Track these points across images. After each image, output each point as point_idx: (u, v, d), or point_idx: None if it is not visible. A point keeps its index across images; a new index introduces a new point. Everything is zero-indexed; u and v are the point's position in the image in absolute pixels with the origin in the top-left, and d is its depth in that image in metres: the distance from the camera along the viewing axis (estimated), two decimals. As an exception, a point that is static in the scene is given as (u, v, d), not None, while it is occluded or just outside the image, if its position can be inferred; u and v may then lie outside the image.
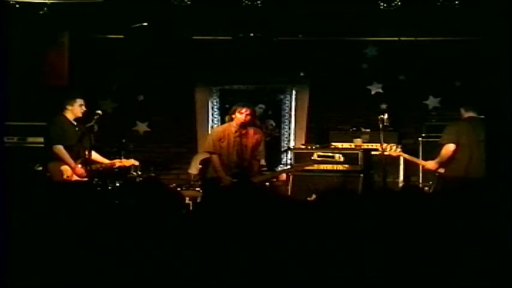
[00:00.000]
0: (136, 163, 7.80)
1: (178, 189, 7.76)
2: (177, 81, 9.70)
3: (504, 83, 8.37)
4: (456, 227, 3.16)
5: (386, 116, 7.98)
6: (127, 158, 7.85)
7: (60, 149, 7.35)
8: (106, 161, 7.66)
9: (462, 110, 7.53)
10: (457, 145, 7.28)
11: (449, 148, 7.29)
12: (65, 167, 7.35)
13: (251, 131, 7.62)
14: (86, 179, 7.27)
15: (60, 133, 7.42)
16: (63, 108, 7.51)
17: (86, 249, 3.02)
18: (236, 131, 7.50)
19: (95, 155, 7.58)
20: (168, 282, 2.89)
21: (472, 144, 7.26)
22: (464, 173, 7.13)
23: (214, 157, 7.59)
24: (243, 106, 7.54)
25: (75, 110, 7.49)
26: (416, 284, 2.91)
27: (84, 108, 7.51)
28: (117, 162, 7.63)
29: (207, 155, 8.59)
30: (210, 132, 9.09)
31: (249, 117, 7.51)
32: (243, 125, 7.50)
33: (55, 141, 7.39)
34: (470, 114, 7.50)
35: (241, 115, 7.47)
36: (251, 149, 7.58)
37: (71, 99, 7.52)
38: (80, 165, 7.38)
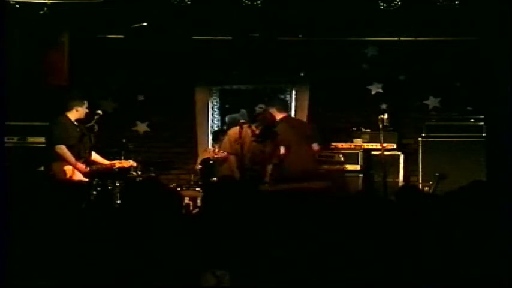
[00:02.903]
0: (135, 164, 7.81)
1: (178, 189, 7.76)
2: (177, 81, 9.69)
3: (504, 83, 8.41)
4: (456, 227, 3.16)
5: (386, 116, 7.99)
6: (127, 158, 7.86)
7: (62, 148, 7.37)
8: (106, 161, 7.67)
9: (275, 111, 7.69)
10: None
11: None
12: (67, 167, 7.37)
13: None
14: (87, 179, 7.29)
15: (63, 133, 7.44)
16: (71, 109, 7.54)
17: (86, 249, 3.03)
18: (253, 135, 7.61)
19: (94, 156, 7.60)
20: (168, 282, 2.89)
21: (294, 143, 7.51)
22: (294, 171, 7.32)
23: (232, 158, 7.72)
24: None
25: (82, 111, 7.54)
26: (415, 284, 2.91)
27: (87, 109, 7.56)
28: (117, 163, 7.65)
29: (208, 155, 8.62)
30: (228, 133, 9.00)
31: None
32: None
33: (58, 141, 7.41)
34: (284, 114, 7.72)
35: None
36: (267, 155, 7.67)
37: (79, 101, 7.56)
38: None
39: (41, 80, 8.76)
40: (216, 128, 9.84)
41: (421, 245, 3.03)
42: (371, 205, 3.28)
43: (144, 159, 8.33)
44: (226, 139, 7.94)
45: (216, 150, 8.45)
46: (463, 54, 9.31)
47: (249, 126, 7.84)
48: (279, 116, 7.62)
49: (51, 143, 7.49)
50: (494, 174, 8.32)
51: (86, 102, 7.58)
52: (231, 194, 3.39)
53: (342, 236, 3.04)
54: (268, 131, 7.69)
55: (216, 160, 8.21)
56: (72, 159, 7.38)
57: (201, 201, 6.59)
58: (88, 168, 7.33)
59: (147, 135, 9.80)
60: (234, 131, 8.05)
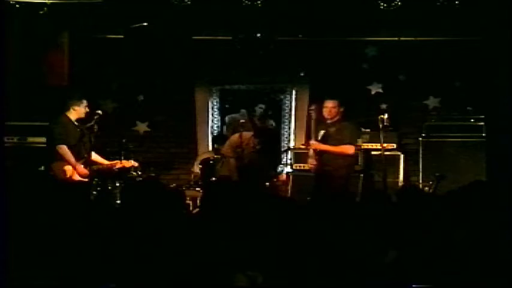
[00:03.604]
0: (136, 164, 7.81)
1: (179, 188, 7.77)
2: (177, 81, 9.69)
3: (504, 83, 8.41)
4: (456, 227, 3.16)
5: (386, 116, 7.98)
6: (127, 158, 7.85)
7: (63, 148, 7.37)
8: (106, 162, 7.67)
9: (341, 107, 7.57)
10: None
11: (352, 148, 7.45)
12: (67, 167, 7.37)
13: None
14: (86, 179, 7.29)
15: (63, 133, 7.44)
16: (68, 109, 7.54)
17: (86, 249, 3.03)
18: (253, 147, 7.79)
19: (95, 156, 7.60)
20: (168, 282, 2.89)
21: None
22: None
23: (232, 161, 7.93)
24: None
25: (80, 111, 7.52)
26: (415, 284, 2.91)
27: (87, 109, 7.54)
28: (118, 164, 7.64)
29: (207, 155, 8.66)
30: (230, 138, 8.97)
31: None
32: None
33: (58, 141, 7.41)
34: None
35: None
36: (264, 168, 7.84)
37: (77, 100, 7.55)
38: (82, 165, 7.41)
39: (41, 80, 8.76)
40: (216, 128, 9.85)
41: (421, 244, 3.03)
42: (371, 205, 3.28)
43: (144, 159, 8.33)
44: (227, 143, 8.11)
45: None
46: (463, 54, 9.30)
47: (252, 136, 8.00)
48: (341, 113, 7.54)
49: (52, 143, 7.50)
50: (494, 174, 8.31)
51: (84, 101, 7.55)
52: (229, 194, 3.39)
53: (342, 236, 3.04)
54: (270, 147, 7.81)
55: (216, 160, 8.27)
56: (72, 159, 7.38)
57: (200, 201, 6.64)
58: (88, 172, 7.34)
59: (147, 135, 9.80)
60: (236, 136, 8.20)
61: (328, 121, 7.50)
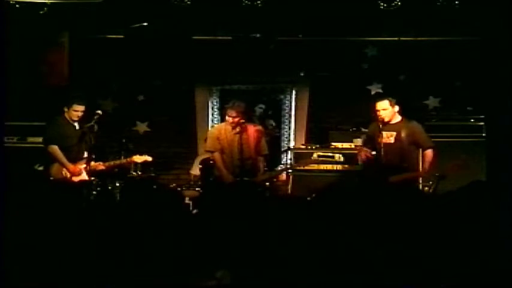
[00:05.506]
0: (150, 159, 7.83)
1: (178, 189, 7.76)
2: (177, 81, 9.69)
3: (504, 83, 8.42)
4: (456, 227, 3.16)
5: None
6: (128, 157, 7.87)
7: (55, 149, 7.39)
8: (119, 161, 7.71)
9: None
10: None
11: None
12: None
13: (250, 126, 7.53)
14: (80, 177, 7.32)
15: (56, 133, 7.47)
16: (62, 110, 7.57)
17: (86, 249, 3.03)
18: (233, 128, 7.39)
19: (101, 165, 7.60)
20: (167, 281, 2.89)
21: None
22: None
23: (216, 155, 7.47)
24: (232, 108, 7.37)
25: (70, 114, 7.55)
26: (415, 283, 2.91)
27: (80, 113, 7.53)
28: (135, 158, 7.69)
29: (207, 155, 8.61)
30: (208, 132, 8.94)
31: (236, 118, 7.30)
32: (234, 126, 7.38)
33: (50, 141, 7.43)
34: None
35: (229, 117, 7.37)
36: (253, 145, 7.48)
37: (68, 103, 7.56)
38: (72, 166, 7.43)
39: (41, 80, 8.76)
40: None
41: (420, 245, 3.03)
42: (371, 205, 3.27)
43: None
44: (208, 138, 7.77)
45: None
46: (463, 54, 9.31)
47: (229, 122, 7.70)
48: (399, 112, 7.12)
49: (43, 143, 7.54)
50: (494, 174, 8.31)
51: (74, 106, 7.54)
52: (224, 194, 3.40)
53: (341, 236, 3.04)
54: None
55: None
56: (64, 160, 7.39)
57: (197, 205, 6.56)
58: (76, 172, 7.38)
59: (147, 135, 9.80)
60: (214, 128, 8.01)
61: (383, 123, 7.02)
